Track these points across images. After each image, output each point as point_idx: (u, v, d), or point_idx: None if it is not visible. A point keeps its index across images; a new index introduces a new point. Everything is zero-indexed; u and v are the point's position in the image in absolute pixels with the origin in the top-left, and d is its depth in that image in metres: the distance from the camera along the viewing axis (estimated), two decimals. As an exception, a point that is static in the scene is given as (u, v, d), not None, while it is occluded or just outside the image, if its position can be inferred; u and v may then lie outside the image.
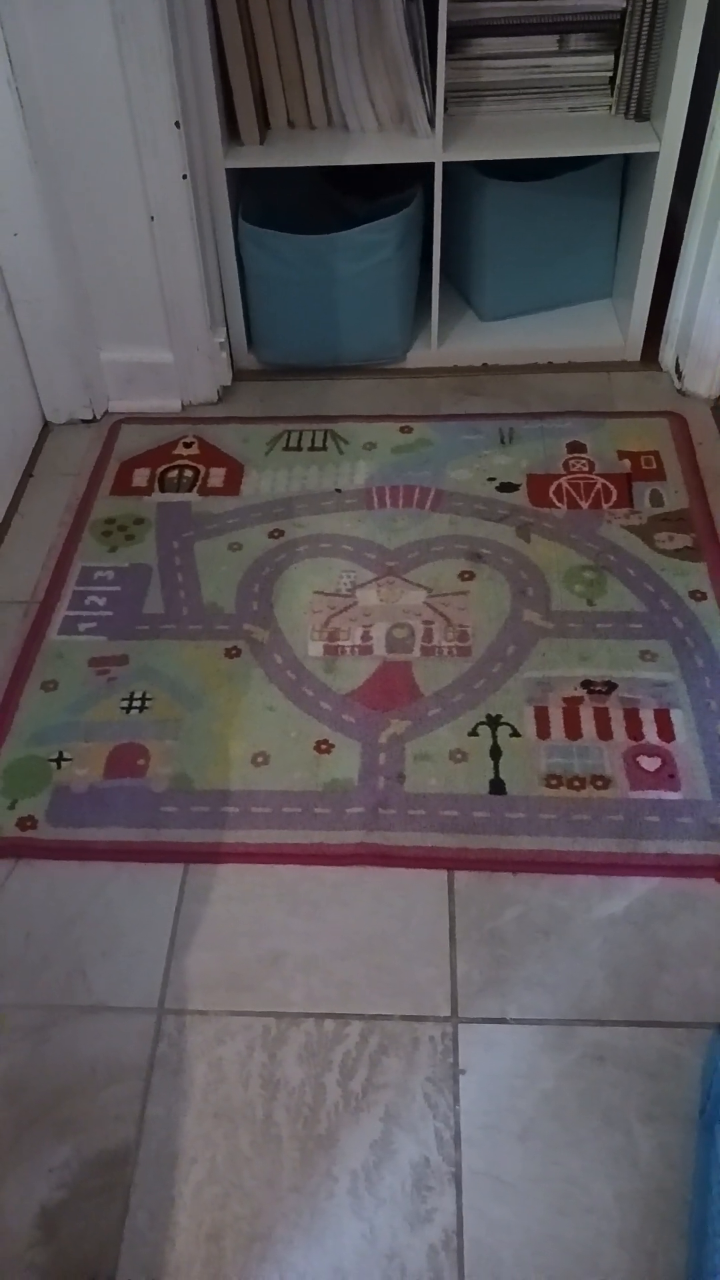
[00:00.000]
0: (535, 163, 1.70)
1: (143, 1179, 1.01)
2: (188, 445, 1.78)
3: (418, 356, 1.91)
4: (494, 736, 1.33)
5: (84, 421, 1.84)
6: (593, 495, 1.63)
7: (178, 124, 1.52)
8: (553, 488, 1.65)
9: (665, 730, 1.32)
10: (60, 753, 1.34)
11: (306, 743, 1.34)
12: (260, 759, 1.32)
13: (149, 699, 1.39)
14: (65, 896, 1.22)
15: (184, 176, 1.58)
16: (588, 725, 1.33)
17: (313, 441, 1.77)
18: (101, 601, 1.53)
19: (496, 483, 1.67)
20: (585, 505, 1.62)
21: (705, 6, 1.50)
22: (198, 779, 1.31)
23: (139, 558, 1.59)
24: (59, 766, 1.33)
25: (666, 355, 1.85)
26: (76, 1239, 0.98)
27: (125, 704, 1.39)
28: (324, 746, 1.33)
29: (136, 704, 1.39)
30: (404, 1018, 1.10)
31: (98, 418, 1.84)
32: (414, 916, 1.18)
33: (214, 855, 1.24)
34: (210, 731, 1.36)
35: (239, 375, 1.90)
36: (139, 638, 1.47)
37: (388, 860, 1.22)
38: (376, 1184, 1.00)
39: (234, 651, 1.45)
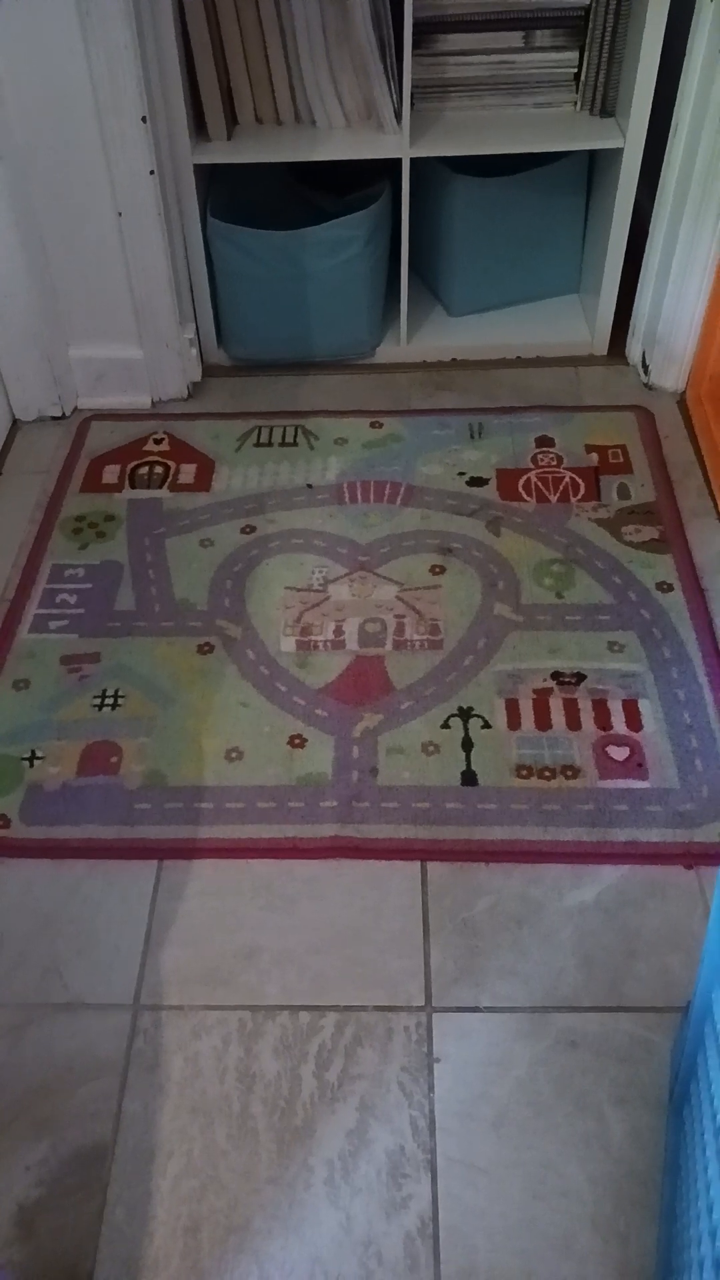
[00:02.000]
0: (502, 158, 1.72)
1: (120, 1174, 1.02)
2: (158, 442, 1.78)
3: (387, 352, 1.92)
4: (465, 729, 1.34)
5: (53, 419, 1.83)
6: (561, 489, 1.65)
7: (144, 119, 1.52)
8: (522, 482, 1.66)
9: (633, 720, 1.34)
10: (33, 751, 1.34)
11: (280, 738, 1.34)
12: (234, 754, 1.33)
13: (121, 696, 1.39)
14: (39, 895, 1.22)
15: (151, 172, 1.57)
16: (557, 716, 1.35)
17: (284, 437, 1.78)
18: (72, 599, 1.52)
19: (466, 477, 1.68)
20: (554, 499, 1.63)
21: (668, 3, 1.52)
22: (171, 775, 1.31)
23: (110, 555, 1.59)
24: (31, 765, 1.33)
25: (633, 350, 1.87)
26: (55, 1236, 0.98)
27: (98, 702, 1.39)
28: (297, 741, 1.34)
29: (109, 701, 1.39)
30: (379, 1008, 1.11)
31: (67, 415, 1.84)
32: (388, 908, 1.19)
33: (188, 851, 1.24)
34: (183, 728, 1.36)
35: (209, 371, 1.90)
36: (111, 635, 1.47)
37: (361, 853, 1.23)
38: (352, 1173, 1.01)
39: (206, 648, 1.45)
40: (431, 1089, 1.06)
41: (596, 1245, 0.96)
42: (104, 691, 1.40)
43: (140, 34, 1.47)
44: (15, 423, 1.83)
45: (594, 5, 1.63)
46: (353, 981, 1.13)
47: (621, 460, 1.69)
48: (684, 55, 1.53)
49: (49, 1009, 1.12)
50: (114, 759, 1.33)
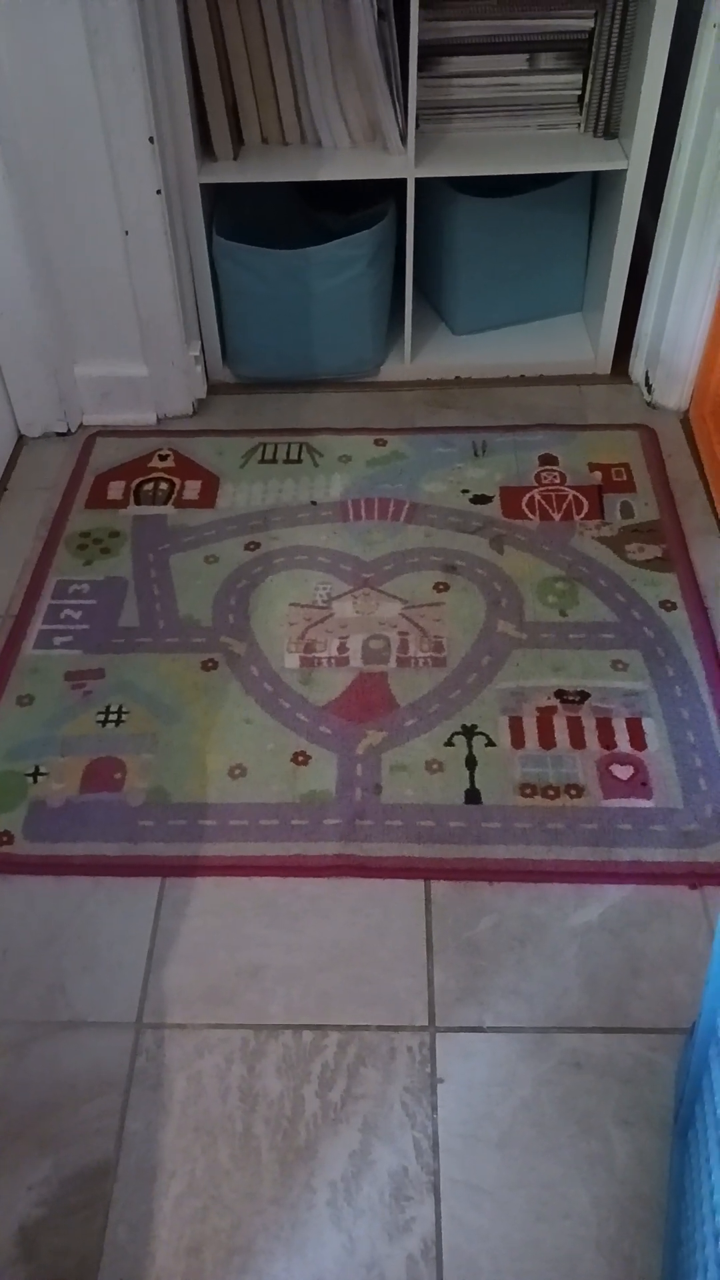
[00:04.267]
0: (506, 179, 1.73)
1: (122, 1194, 1.01)
2: (163, 458, 1.79)
3: (391, 370, 1.93)
4: (469, 746, 1.34)
5: (59, 435, 1.84)
6: (564, 507, 1.65)
7: (151, 139, 1.53)
8: (525, 500, 1.67)
9: (637, 739, 1.34)
10: (36, 767, 1.34)
11: (283, 755, 1.34)
12: (237, 771, 1.33)
13: (125, 713, 1.40)
14: (43, 912, 1.21)
15: (158, 192, 1.58)
16: (561, 735, 1.35)
17: (288, 454, 1.78)
18: (77, 615, 1.53)
19: (470, 495, 1.69)
20: (557, 517, 1.64)
21: (671, 26, 1.53)
22: (175, 792, 1.31)
23: (114, 571, 1.59)
24: (35, 781, 1.33)
25: (636, 368, 1.88)
26: (57, 1255, 0.98)
27: (101, 718, 1.39)
28: (301, 758, 1.34)
29: (113, 718, 1.39)
30: (382, 1028, 1.11)
31: (72, 431, 1.84)
32: (391, 927, 1.19)
33: (191, 869, 1.24)
34: (187, 745, 1.36)
35: (214, 389, 1.91)
36: (115, 651, 1.48)
37: (365, 871, 1.23)
38: (355, 1195, 1.00)
39: (210, 664, 1.46)
40: (435, 1109, 1.05)
41: (601, 1268, 0.95)
42: (108, 708, 1.40)
43: (147, 54, 1.48)
44: (21, 439, 1.84)
45: (598, 28, 1.64)
46: (356, 1000, 1.13)
47: (625, 479, 1.70)
48: (687, 77, 1.54)
49: (52, 1027, 1.12)
50: (118, 775, 1.33)
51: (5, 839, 1.27)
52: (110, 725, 1.38)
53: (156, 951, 1.18)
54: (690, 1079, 0.94)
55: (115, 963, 1.17)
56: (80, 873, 1.24)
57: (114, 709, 1.40)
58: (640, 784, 1.29)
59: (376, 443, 1.80)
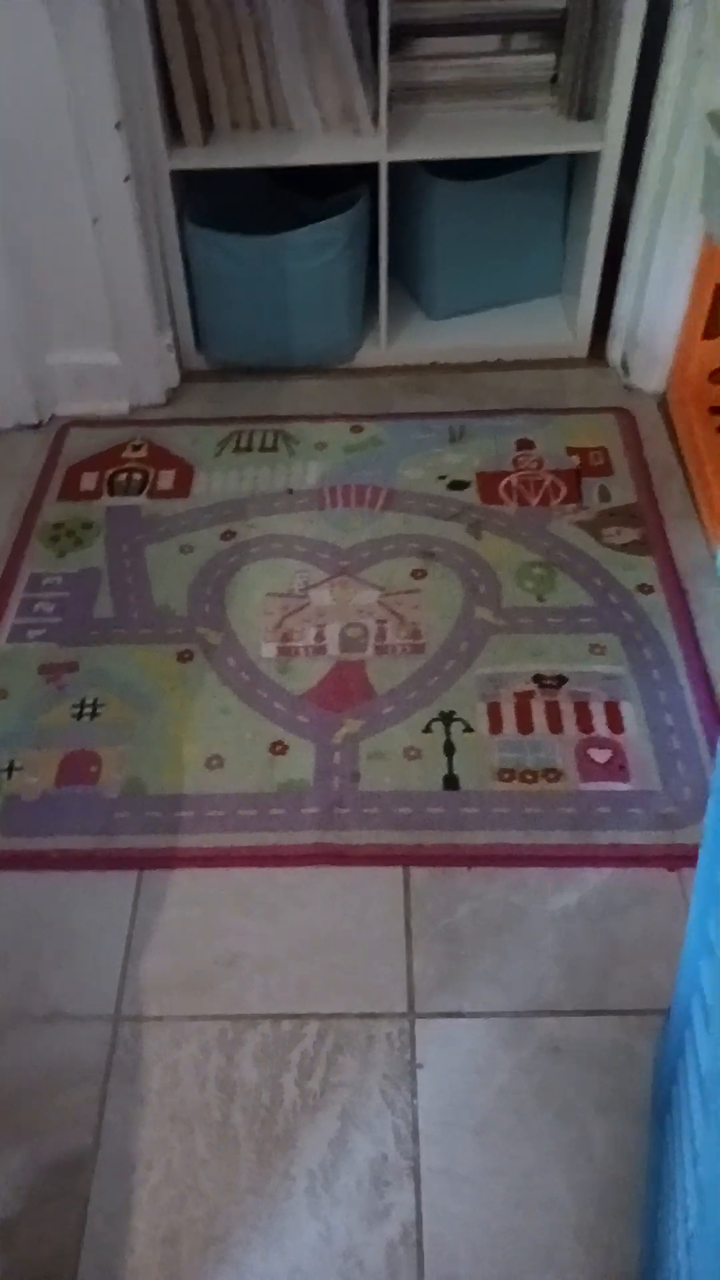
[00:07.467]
0: (481, 161, 1.71)
1: (100, 1185, 1.01)
2: (136, 448, 1.77)
3: (368, 355, 1.91)
4: (447, 733, 1.34)
5: (30, 426, 1.82)
6: (542, 492, 1.64)
7: (119, 125, 1.51)
8: (503, 485, 1.66)
9: (615, 722, 1.33)
10: (11, 761, 1.33)
11: (261, 744, 1.34)
12: (215, 762, 1.32)
13: (100, 705, 1.39)
14: (19, 905, 1.21)
15: (126, 179, 1.57)
16: (539, 719, 1.34)
17: (263, 442, 1.77)
18: (50, 608, 1.51)
19: (447, 481, 1.68)
20: (535, 502, 1.63)
21: (645, 7, 1.52)
22: (151, 784, 1.30)
23: (88, 562, 1.58)
24: (10, 775, 1.31)
25: (614, 351, 1.87)
26: (34, 1246, 0.97)
27: (76, 710, 1.38)
28: (279, 748, 1.33)
29: (88, 710, 1.38)
30: (361, 1015, 1.11)
31: (45, 422, 1.83)
32: (370, 914, 1.18)
33: (169, 860, 1.23)
34: (163, 736, 1.35)
35: (188, 376, 1.89)
36: (89, 643, 1.46)
37: (343, 859, 1.23)
38: (334, 1183, 1.00)
39: (186, 655, 1.45)
40: (414, 1096, 1.05)
41: (579, 1255, 0.95)
42: (83, 700, 1.39)
43: (114, 39, 1.46)
44: (-6, 430, 1.82)
45: (571, 8, 1.63)
46: (334, 989, 1.13)
47: (602, 462, 1.69)
48: (661, 58, 1.53)
49: (29, 1019, 1.11)
50: (93, 768, 1.32)
51: (-20, 833, 1.26)
52: (85, 718, 1.37)
53: (134, 943, 1.17)
54: (666, 1063, 0.94)
55: (93, 955, 1.16)
56: (57, 866, 1.24)
57: (89, 701, 1.39)
58: (618, 767, 1.29)
59: (353, 429, 1.78)
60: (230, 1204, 0.99)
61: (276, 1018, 1.11)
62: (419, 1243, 0.96)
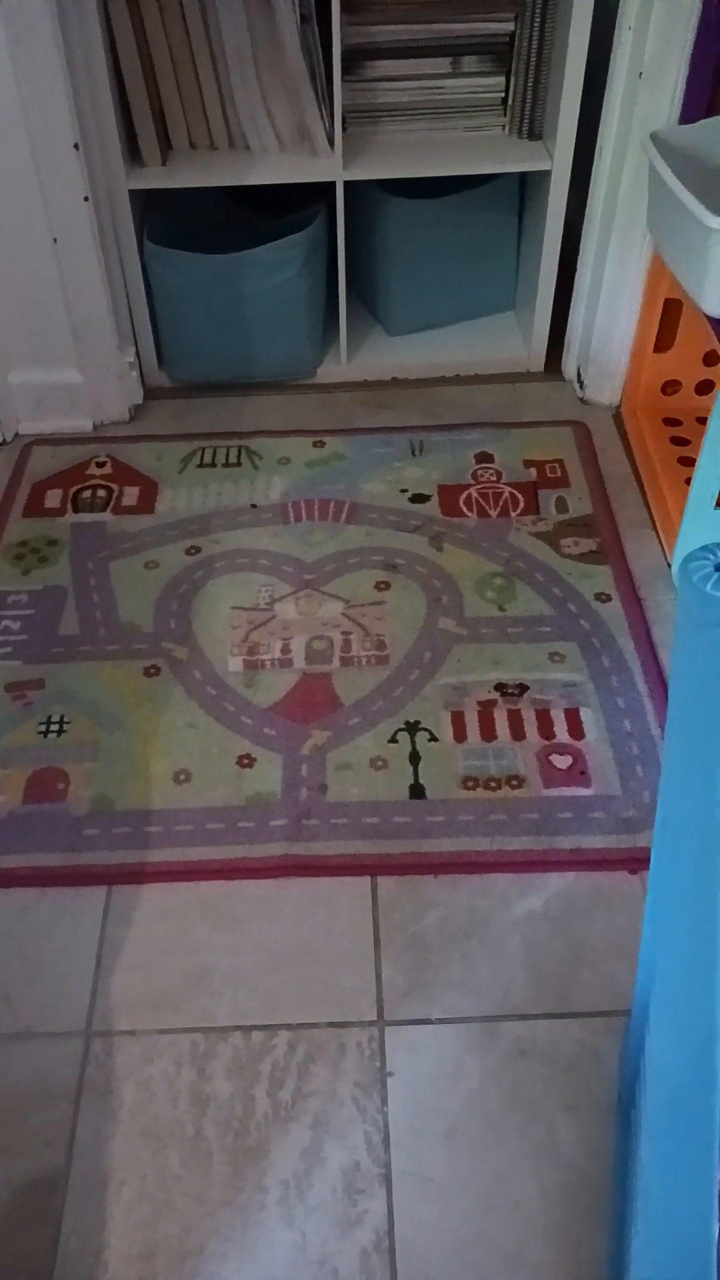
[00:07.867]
0: (436, 180, 1.74)
1: (74, 1203, 1.01)
2: (100, 465, 1.78)
3: (328, 371, 1.94)
4: (413, 742, 1.36)
5: (-6, 445, 1.82)
6: (501, 504, 1.67)
7: (76, 146, 1.53)
8: (463, 497, 1.69)
9: (575, 729, 1.36)
10: (-22, 780, 1.33)
11: (228, 758, 1.35)
12: (182, 777, 1.33)
13: (67, 722, 1.39)
14: (-13, 924, 1.21)
15: (85, 199, 1.58)
16: (502, 727, 1.36)
17: (227, 458, 1.79)
18: (15, 626, 1.52)
19: (409, 494, 1.70)
20: (494, 514, 1.66)
21: (589, 29, 1.56)
22: (119, 800, 1.31)
23: (53, 579, 1.58)
24: (-23, 794, 1.32)
25: (569, 365, 1.90)
26: (7, 1267, 0.97)
27: (43, 728, 1.38)
28: (246, 761, 1.34)
29: (54, 727, 1.38)
30: (331, 1025, 1.12)
31: (7, 440, 1.83)
32: (338, 925, 1.19)
33: (137, 876, 1.24)
34: (131, 752, 1.36)
35: (150, 394, 1.90)
36: (55, 660, 1.47)
37: (311, 870, 1.24)
38: (307, 1192, 1.01)
39: (153, 670, 1.45)
40: (385, 1103, 1.06)
41: (549, 1255, 0.97)
42: (49, 717, 1.39)
43: (69, 60, 1.47)
44: (-45, 449, 1.82)
45: (518, 31, 1.66)
46: (304, 999, 1.14)
47: (559, 474, 1.72)
48: (606, 80, 1.57)
49: (-2, 1040, 1.12)
50: (60, 785, 1.32)
51: (-53, 853, 1.26)
52: (52, 735, 1.37)
53: (104, 960, 1.17)
54: (630, 1061, 0.96)
55: (62, 972, 1.16)
56: (25, 884, 1.24)
57: (55, 719, 1.39)
58: (579, 773, 1.31)
59: (315, 444, 1.80)
60: (204, 1217, 0.99)
61: (247, 1029, 1.12)
62: (391, 1248, 0.97)
